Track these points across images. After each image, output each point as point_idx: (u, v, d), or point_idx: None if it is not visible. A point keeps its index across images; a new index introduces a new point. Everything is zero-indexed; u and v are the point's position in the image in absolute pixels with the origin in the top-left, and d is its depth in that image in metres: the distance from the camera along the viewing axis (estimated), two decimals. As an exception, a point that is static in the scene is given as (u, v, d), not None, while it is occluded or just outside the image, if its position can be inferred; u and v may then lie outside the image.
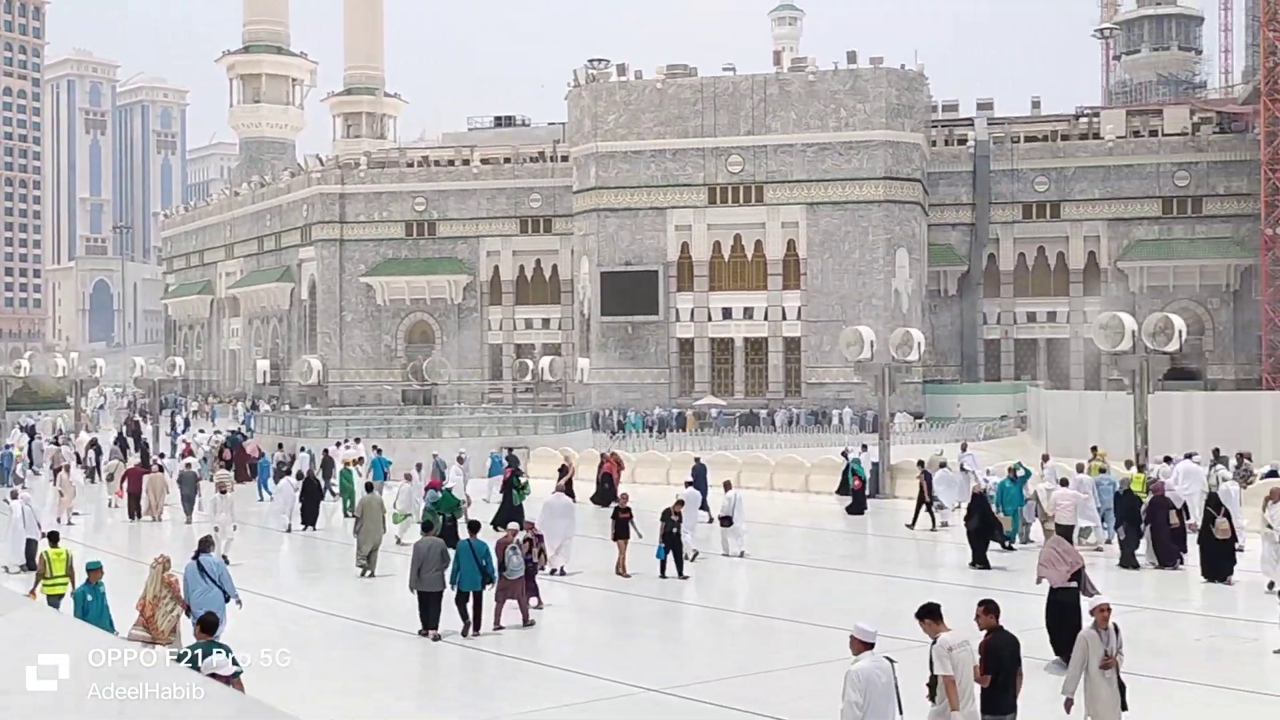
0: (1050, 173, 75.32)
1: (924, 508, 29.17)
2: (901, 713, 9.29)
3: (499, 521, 26.69)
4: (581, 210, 75.30)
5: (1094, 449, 32.80)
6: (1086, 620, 11.59)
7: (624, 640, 18.01)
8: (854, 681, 8.95)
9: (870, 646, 9.27)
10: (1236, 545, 22.00)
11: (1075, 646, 10.63)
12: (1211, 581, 21.27)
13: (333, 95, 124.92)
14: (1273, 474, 27.89)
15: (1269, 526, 20.28)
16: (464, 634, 17.41)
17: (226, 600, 15.61)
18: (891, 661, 9.34)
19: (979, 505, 23.69)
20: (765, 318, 72.61)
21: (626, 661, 16.07)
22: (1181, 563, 22.63)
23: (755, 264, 72.54)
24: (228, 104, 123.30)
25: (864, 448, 37.75)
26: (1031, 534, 25.60)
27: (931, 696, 9.78)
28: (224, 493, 25.71)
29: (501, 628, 17.78)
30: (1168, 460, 29.19)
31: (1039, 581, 15.45)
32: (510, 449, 39.25)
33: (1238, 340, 70.95)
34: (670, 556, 21.67)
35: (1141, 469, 28.56)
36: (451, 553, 17.82)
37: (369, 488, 25.98)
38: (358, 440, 41.66)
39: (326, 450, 39.41)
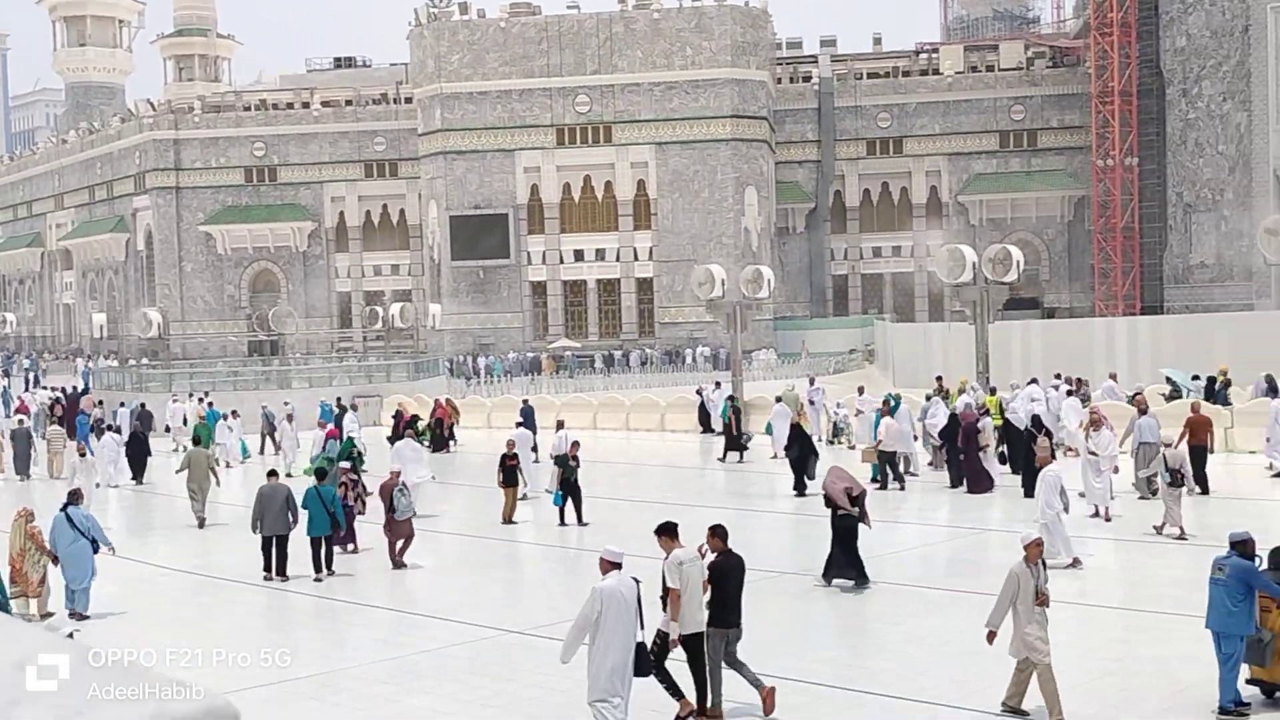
0: (892, 109, 76.57)
1: (735, 440, 30.27)
2: (643, 628, 9.93)
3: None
4: (427, 153, 74.04)
5: (938, 379, 33.66)
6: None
7: (488, 585, 17.90)
8: (596, 596, 9.61)
9: (618, 566, 9.89)
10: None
11: (1005, 581, 10.43)
12: (1030, 498, 21.64)
13: (163, 37, 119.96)
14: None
15: (1092, 454, 20.13)
16: (316, 580, 17.53)
17: (96, 550, 15.57)
18: (637, 581, 9.98)
19: (798, 436, 24.48)
20: (617, 259, 72.64)
21: (489, 605, 15.99)
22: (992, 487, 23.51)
23: (606, 205, 72.40)
24: (51, 47, 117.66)
25: (717, 385, 38.16)
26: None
27: (664, 608, 10.56)
28: (83, 456, 25.56)
29: (404, 565, 18.20)
30: (1034, 383, 30.06)
31: (827, 502, 16.10)
32: (340, 399, 38.60)
33: (1072, 269, 73.49)
34: (570, 504, 21.08)
35: (993, 392, 29.46)
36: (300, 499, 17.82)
37: (196, 440, 25.82)
38: (204, 397, 40.48)
39: (143, 404, 38.34)
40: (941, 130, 75.81)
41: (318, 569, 17.65)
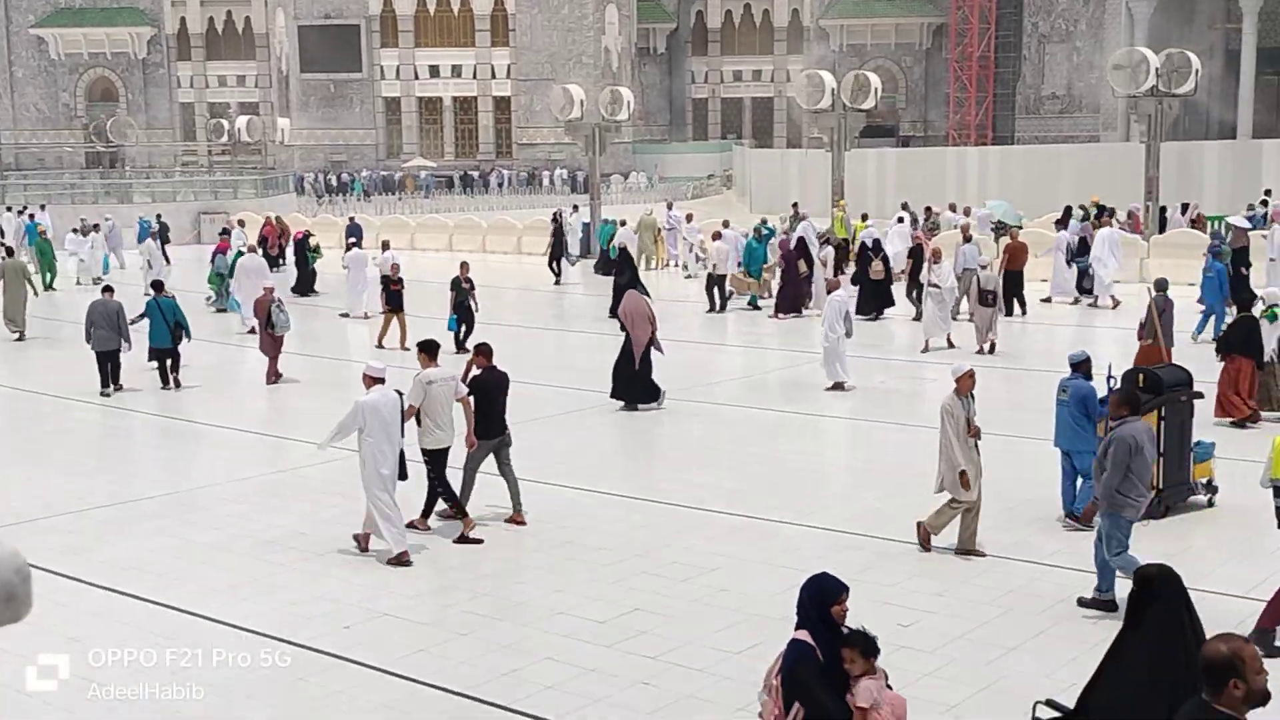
0: (757, -72, 75.16)
1: (554, 261, 30.72)
2: (404, 436, 10.51)
3: (299, 288, 28.40)
4: (274, -42, 70.51)
5: (794, 205, 33.89)
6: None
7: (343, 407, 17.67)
8: (358, 409, 10.23)
9: (381, 381, 10.41)
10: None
11: (942, 418, 10.17)
12: (867, 318, 22.84)
13: None
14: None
15: (934, 285, 20.46)
16: (163, 387, 17.86)
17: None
18: (399, 394, 10.52)
19: (626, 261, 24.36)
20: (474, 76, 70.81)
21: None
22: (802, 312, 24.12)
23: (462, 19, 70.18)
24: None
25: (575, 208, 37.84)
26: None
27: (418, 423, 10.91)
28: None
29: (278, 377, 18.28)
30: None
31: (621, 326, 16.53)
32: (159, 215, 37.32)
33: (929, 98, 74.10)
34: (462, 328, 20.42)
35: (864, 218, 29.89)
36: (132, 313, 17.80)
37: (9, 252, 24.90)
38: (42, 208, 38.66)
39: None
40: (805, -48, 74.80)
41: (164, 381, 17.80)
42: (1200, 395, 11.96)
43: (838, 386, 17.10)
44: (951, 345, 20.03)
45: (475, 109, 71.44)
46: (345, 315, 25.04)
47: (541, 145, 69.50)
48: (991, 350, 19.68)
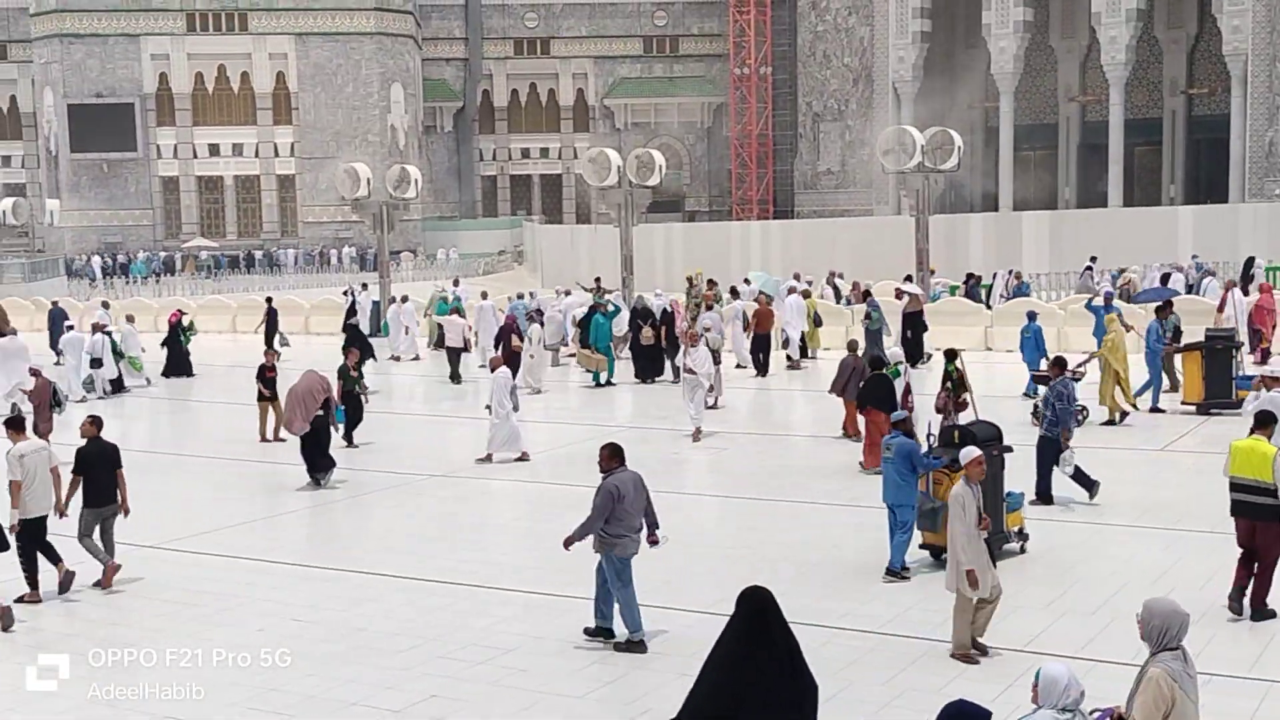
0: (539, 9, 76.33)
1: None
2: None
3: (169, 371, 27.82)
4: (41, 35, 67.92)
5: (597, 279, 34.22)
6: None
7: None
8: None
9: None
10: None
11: (952, 507, 9.53)
12: (642, 382, 24.70)
13: None
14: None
15: (690, 370, 19.00)
16: None
17: None
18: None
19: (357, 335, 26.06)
20: (256, 154, 69.45)
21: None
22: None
23: (243, 97, 68.91)
24: None
25: (364, 286, 37.38)
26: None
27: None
28: None
29: None
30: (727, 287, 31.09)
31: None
32: None
33: (711, 174, 76.18)
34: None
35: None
36: None
37: None
38: None
39: None
40: (588, 33, 76.31)
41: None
42: (1010, 449, 12.56)
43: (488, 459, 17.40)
44: (697, 437, 18.70)
45: (258, 187, 70.00)
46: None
47: (328, 224, 68.49)
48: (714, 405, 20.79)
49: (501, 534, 14.25)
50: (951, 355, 16.63)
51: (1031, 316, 21.87)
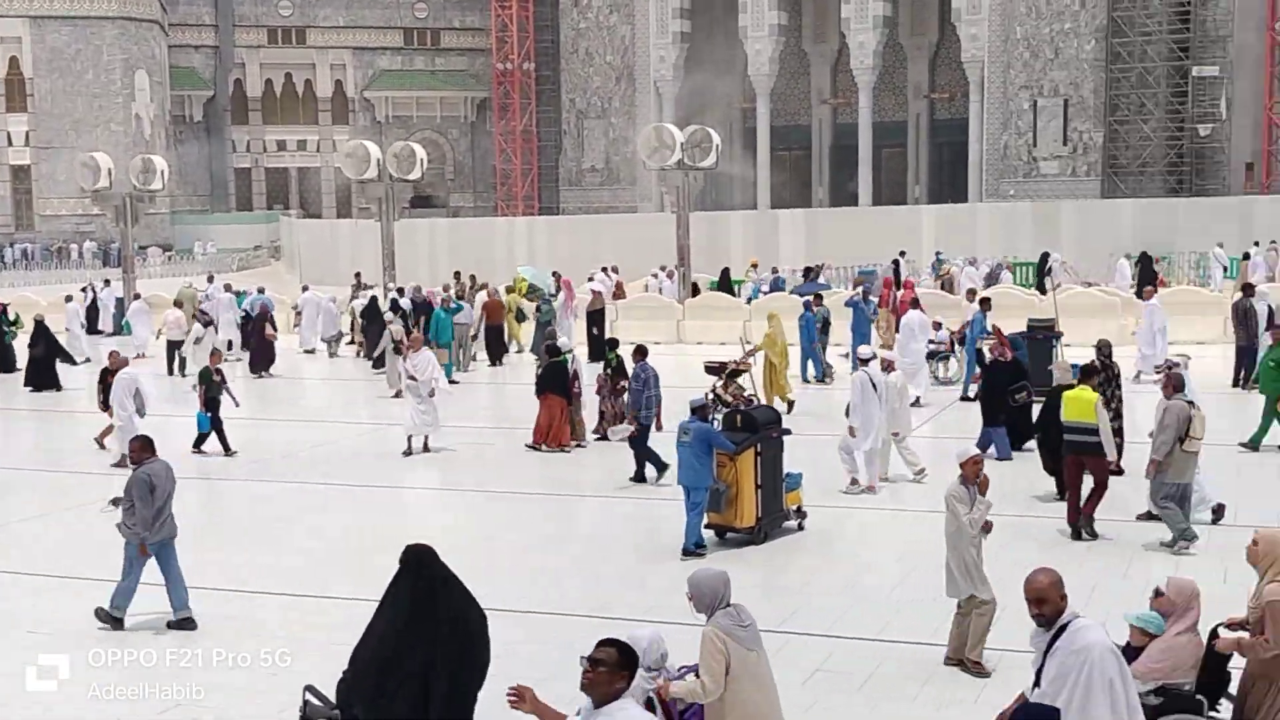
0: (295, -3, 74.18)
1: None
2: None
3: None
4: None
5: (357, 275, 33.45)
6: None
7: None
8: None
9: None
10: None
11: (948, 507, 9.17)
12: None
13: None
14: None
15: (411, 378, 17.86)
16: None
17: None
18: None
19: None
20: (-13, 143, 65.26)
21: None
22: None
23: (-29, 82, 64.59)
24: None
25: (106, 283, 35.59)
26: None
27: None
28: None
29: None
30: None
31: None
32: None
33: (476, 170, 75.58)
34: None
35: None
36: None
37: None
38: None
39: None
40: (346, 23, 74.55)
41: None
42: (789, 431, 13.25)
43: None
44: (424, 449, 17.90)
45: (-11, 178, 65.77)
46: None
47: (68, 216, 64.87)
48: (398, 395, 21.05)
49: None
50: (613, 344, 18.21)
51: (807, 306, 23.29)
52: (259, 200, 75.51)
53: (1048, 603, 5.89)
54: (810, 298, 24.49)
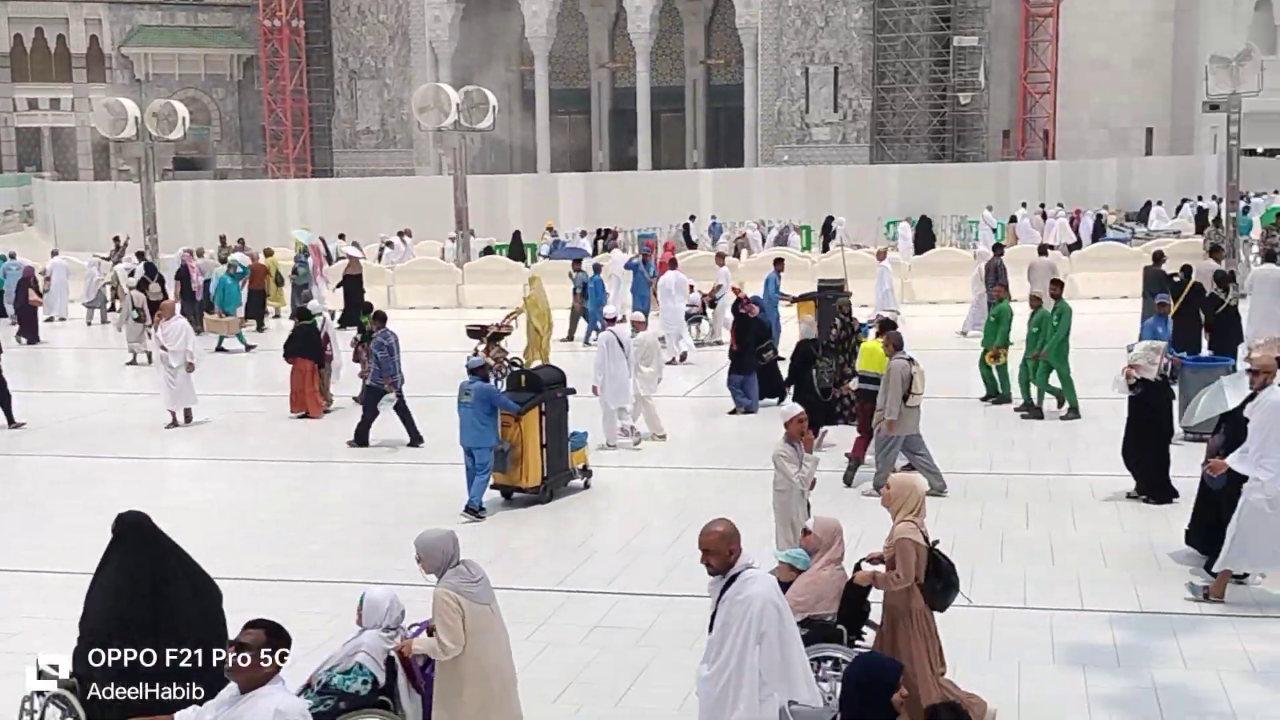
0: (44, -54, 69.78)
1: None
2: None
3: None
4: None
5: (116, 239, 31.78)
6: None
7: None
8: None
9: None
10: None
11: (776, 465, 9.28)
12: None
13: None
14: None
15: (162, 348, 17.09)
16: None
17: None
18: None
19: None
20: None
21: None
22: None
23: None
24: None
25: None
26: None
27: None
28: None
29: None
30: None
31: None
32: None
33: (244, 130, 72.80)
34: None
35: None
36: None
37: None
38: None
39: None
40: (100, -25, 70.59)
41: None
42: (574, 391, 13.33)
43: None
44: (186, 420, 17.33)
45: None
46: None
47: None
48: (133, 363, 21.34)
49: None
50: (367, 309, 17.91)
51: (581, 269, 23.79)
52: (9, 162, 70.94)
53: (714, 554, 6.05)
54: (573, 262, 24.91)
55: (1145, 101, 58.84)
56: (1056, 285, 16.87)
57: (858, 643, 7.35)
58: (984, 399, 17.10)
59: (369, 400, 15.49)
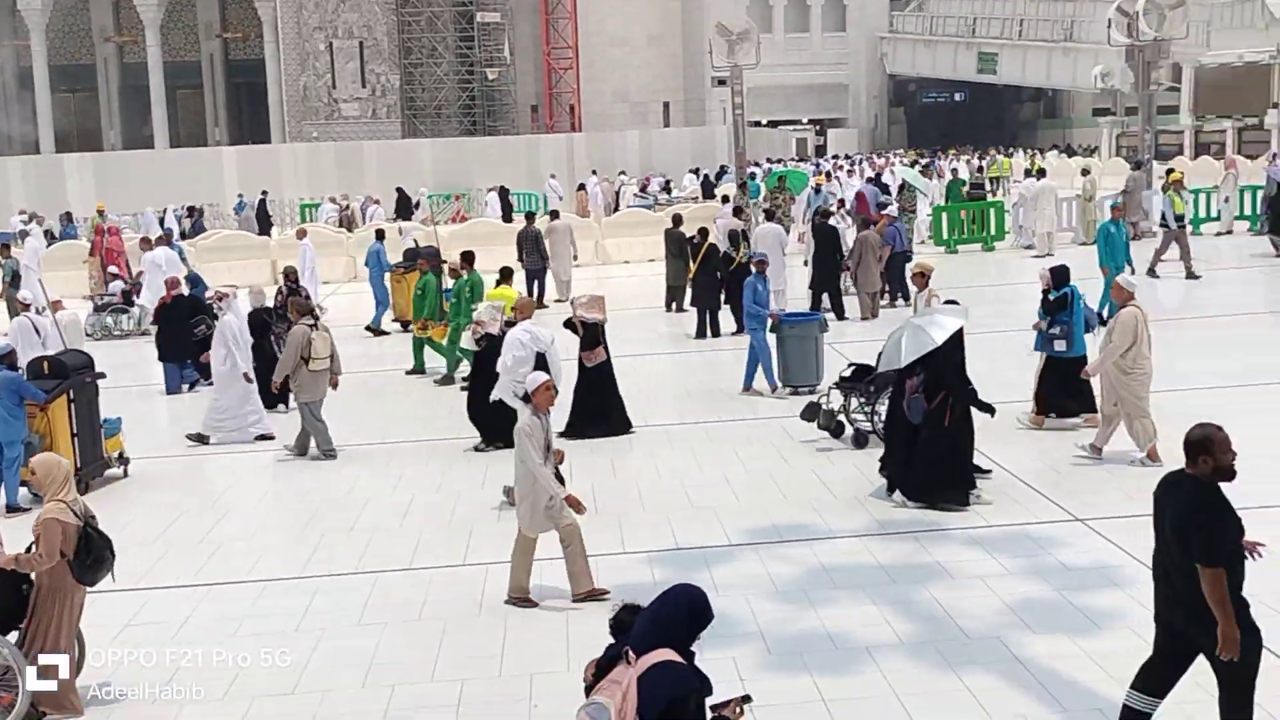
0: None
1: None
2: None
3: None
4: None
5: None
6: None
7: None
8: None
9: None
10: None
11: (518, 441, 8.34)
12: None
13: None
14: None
15: None
16: None
17: None
18: None
19: None
20: None
21: None
22: None
23: None
24: None
25: None
26: None
27: None
28: None
29: None
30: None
31: None
32: None
33: None
34: None
35: None
36: None
37: None
38: None
39: None
40: None
41: None
42: (103, 375, 12.63)
43: None
44: None
45: None
46: None
47: None
48: None
49: None
50: None
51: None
52: None
53: None
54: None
55: (661, 76, 62.22)
56: (465, 258, 16.30)
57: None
58: (409, 372, 17.13)
59: None
